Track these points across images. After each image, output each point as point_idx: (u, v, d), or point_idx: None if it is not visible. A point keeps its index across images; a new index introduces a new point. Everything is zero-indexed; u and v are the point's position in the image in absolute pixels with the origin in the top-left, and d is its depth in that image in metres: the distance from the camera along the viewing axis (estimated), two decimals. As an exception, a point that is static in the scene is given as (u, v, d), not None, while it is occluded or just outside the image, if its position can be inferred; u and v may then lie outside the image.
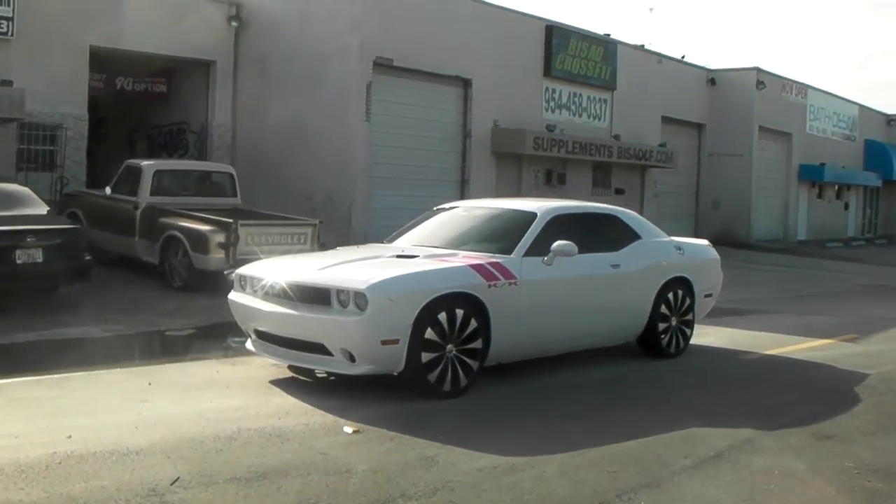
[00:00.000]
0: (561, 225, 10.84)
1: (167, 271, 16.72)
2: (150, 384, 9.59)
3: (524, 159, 27.87)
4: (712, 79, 38.11)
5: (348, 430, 7.96)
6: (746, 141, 37.98)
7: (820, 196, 45.78)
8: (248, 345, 10.27)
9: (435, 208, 12.26)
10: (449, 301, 9.25)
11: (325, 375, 9.93)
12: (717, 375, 11.44)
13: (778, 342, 13.83)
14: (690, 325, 12.50)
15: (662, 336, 11.98)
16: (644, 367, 11.64)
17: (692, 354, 12.41)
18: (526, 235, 10.49)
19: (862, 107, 50.22)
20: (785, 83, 41.05)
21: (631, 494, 6.59)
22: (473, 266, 9.75)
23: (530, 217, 10.83)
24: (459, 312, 9.31)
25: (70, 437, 7.43)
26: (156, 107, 26.14)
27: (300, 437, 7.71)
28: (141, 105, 26.16)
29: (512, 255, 10.20)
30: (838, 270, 30.55)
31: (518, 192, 26.99)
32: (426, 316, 9.04)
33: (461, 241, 10.84)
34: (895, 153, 51.24)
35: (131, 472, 6.66)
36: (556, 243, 10.28)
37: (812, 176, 43.46)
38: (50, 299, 14.37)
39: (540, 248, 10.38)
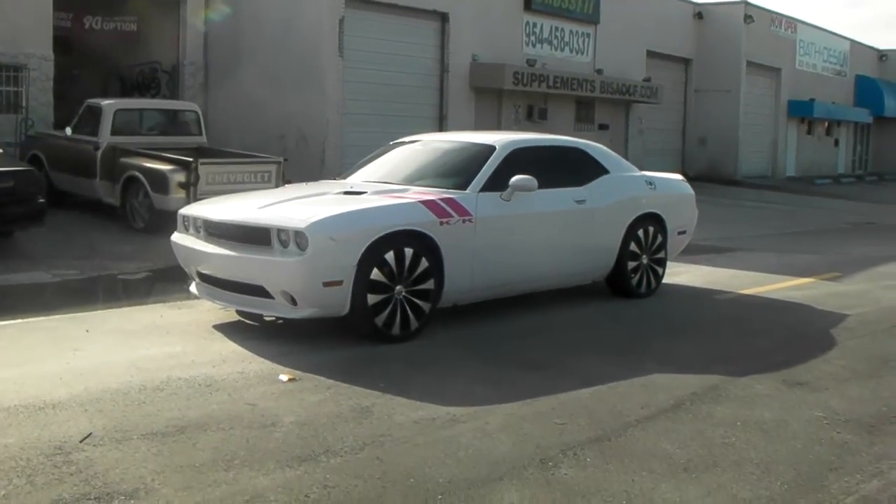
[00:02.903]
0: (521, 159, 10.27)
1: (128, 213, 16.22)
2: (87, 331, 9.10)
3: (504, 95, 27.23)
4: (699, 13, 37.47)
5: (283, 378, 7.48)
6: (734, 76, 37.42)
7: (809, 132, 45.31)
8: (192, 288, 9.77)
9: (392, 143, 11.69)
10: (397, 240, 8.74)
11: (273, 319, 9.42)
12: (687, 318, 10.91)
13: (756, 281, 13.38)
14: (662, 263, 12.01)
15: (632, 276, 11.49)
16: (611, 308, 11.15)
17: (663, 295, 11.94)
18: (483, 170, 9.93)
19: (853, 42, 49.69)
20: (774, 17, 40.39)
21: (577, 450, 6.08)
22: (424, 202, 9.21)
23: (488, 150, 10.26)
24: (409, 251, 8.80)
25: (-13, 390, 6.98)
26: (127, 46, 25.36)
27: (231, 387, 7.22)
28: (111, 45, 25.40)
29: (467, 191, 9.66)
30: (826, 207, 30.10)
31: (498, 128, 26.40)
32: (372, 256, 8.53)
33: (415, 177, 10.29)
34: (886, 89, 50.78)
35: (41, 427, 6.17)
36: (515, 178, 9.74)
37: (801, 112, 42.92)
38: (2, 245, 13.81)
39: (498, 183, 9.83)
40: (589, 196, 10.87)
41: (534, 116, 28.36)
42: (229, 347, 8.50)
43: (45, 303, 10.77)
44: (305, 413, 6.62)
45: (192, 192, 15.01)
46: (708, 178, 34.30)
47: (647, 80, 32.32)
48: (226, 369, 7.72)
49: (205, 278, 9.36)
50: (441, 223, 9.11)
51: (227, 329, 9.25)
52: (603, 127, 31.24)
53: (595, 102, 31.07)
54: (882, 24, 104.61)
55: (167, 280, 12.12)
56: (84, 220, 16.62)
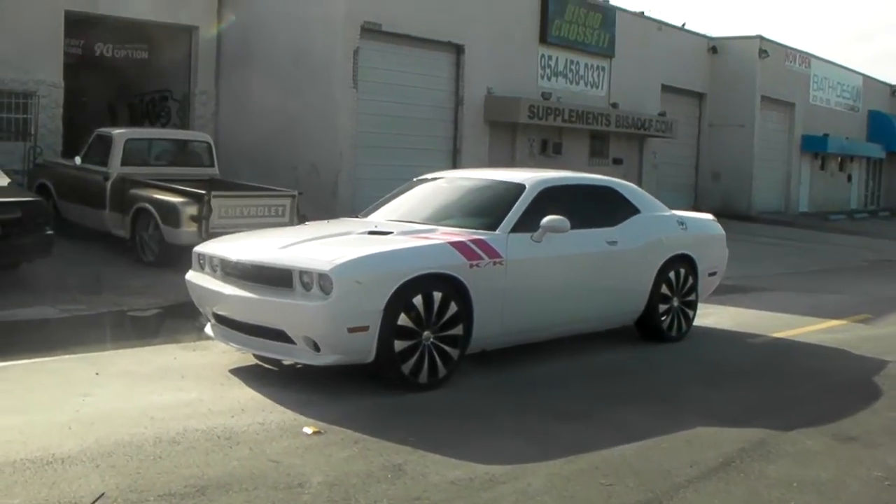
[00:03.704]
0: (552, 198, 9.86)
1: (138, 246, 15.74)
2: (97, 374, 8.68)
3: (518, 128, 26.80)
4: (714, 47, 37.04)
5: (308, 430, 7.03)
6: (748, 111, 36.97)
7: (822, 168, 44.82)
8: (208, 329, 9.33)
9: (415, 179, 11.26)
10: (426, 283, 8.30)
11: (292, 364, 8.96)
12: (722, 364, 10.46)
13: (786, 323, 12.93)
14: (693, 306, 11.59)
15: (663, 318, 11.06)
16: (642, 353, 10.70)
17: (694, 338, 11.50)
18: (513, 210, 9.50)
19: (866, 77, 49.28)
20: (788, 52, 40.00)
21: (628, 514, 5.67)
22: (453, 244, 8.77)
23: (518, 189, 9.84)
24: (437, 295, 8.36)
25: (-9, 440, 6.54)
26: (137, 74, 25.00)
27: (252, 441, 6.77)
28: (122, 72, 25.03)
29: (497, 232, 9.23)
30: (843, 244, 29.62)
31: (512, 162, 25.92)
32: (399, 300, 8.08)
33: (442, 216, 9.86)
34: (899, 124, 50.34)
35: (50, 486, 5.72)
36: (547, 218, 9.31)
37: (815, 147, 42.45)
38: (8, 277, 13.35)
39: (529, 223, 9.40)
40: (620, 237, 10.45)
41: (548, 150, 27.93)
42: (248, 395, 8.06)
43: (51, 340, 10.28)
44: (334, 471, 6.17)
45: (205, 225, 14.59)
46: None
47: (662, 114, 31.92)
48: (245, 420, 7.27)
49: (221, 320, 8.91)
50: (471, 266, 8.67)
51: (245, 374, 8.81)
52: (617, 161, 30.82)
53: (610, 136, 30.64)
54: (892, 59, 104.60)
55: (178, 317, 11.65)
56: (92, 252, 16.15)
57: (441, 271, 8.45)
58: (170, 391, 8.11)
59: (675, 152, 34.64)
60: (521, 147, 27.16)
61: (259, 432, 6.98)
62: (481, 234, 9.11)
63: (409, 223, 9.67)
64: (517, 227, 9.35)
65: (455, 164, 24.00)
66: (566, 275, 9.82)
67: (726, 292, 14.37)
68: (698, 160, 37.12)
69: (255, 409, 7.60)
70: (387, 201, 10.79)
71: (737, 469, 6.62)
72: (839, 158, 46.24)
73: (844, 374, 10.13)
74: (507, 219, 9.39)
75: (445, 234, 9.03)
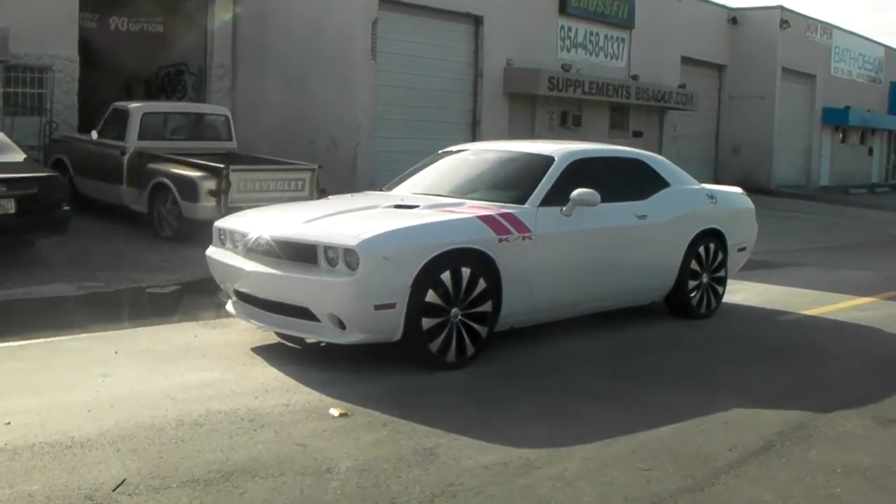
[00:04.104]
0: (581, 171, 9.59)
1: (156, 221, 15.57)
2: (116, 353, 8.46)
3: (538, 100, 26.55)
4: (734, 18, 36.67)
5: (334, 412, 6.80)
6: (769, 83, 36.60)
7: (843, 141, 44.42)
8: (229, 307, 9.10)
9: (440, 151, 10.99)
10: (454, 258, 8.05)
11: (316, 342, 8.73)
12: (754, 342, 10.19)
13: (815, 300, 12.66)
14: (723, 282, 11.32)
15: (692, 295, 10.82)
16: (672, 330, 10.46)
17: (724, 315, 11.24)
18: (542, 182, 9.23)
19: (888, 48, 48.72)
20: (809, 23, 39.58)
21: (669, 501, 5.41)
22: (482, 217, 8.52)
23: (547, 161, 9.57)
24: (466, 271, 8.11)
25: (9, 423, 6.33)
26: (153, 48, 24.76)
27: (277, 423, 6.55)
28: (137, 46, 24.80)
29: (526, 205, 8.97)
30: (865, 219, 29.29)
31: (532, 135, 25.70)
32: (427, 276, 7.84)
33: (468, 189, 9.60)
34: (921, 96, 49.83)
35: (70, 471, 5.51)
36: (577, 191, 9.05)
37: (836, 120, 42.05)
38: (25, 254, 13.15)
39: (558, 196, 9.14)
40: (650, 211, 10.19)
41: (568, 123, 27.69)
42: (271, 374, 7.83)
43: (69, 319, 10.05)
44: (363, 456, 5.94)
45: (223, 200, 14.39)
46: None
47: (683, 86, 31.59)
48: (269, 401, 7.05)
49: (243, 297, 8.69)
50: (500, 240, 8.42)
51: (267, 352, 8.59)
52: (637, 134, 30.52)
53: (630, 109, 30.36)
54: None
55: (198, 293, 11.44)
56: (109, 227, 15.97)
57: (470, 246, 8.21)
58: (191, 371, 7.90)
59: (695, 125, 34.36)
60: (541, 119, 26.93)
61: (284, 414, 6.76)
62: (510, 208, 8.85)
63: (436, 196, 9.42)
64: (546, 201, 9.08)
65: (474, 137, 23.84)
66: (596, 250, 9.56)
67: (753, 268, 14.11)
68: (718, 133, 36.83)
69: (279, 389, 7.38)
70: (411, 174, 10.54)
71: (778, 453, 6.38)
72: (860, 131, 45.82)
73: (879, 353, 9.88)
74: (535, 192, 9.12)
75: (473, 208, 8.78)
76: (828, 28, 41.21)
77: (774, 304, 12.27)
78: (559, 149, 9.97)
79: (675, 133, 32.74)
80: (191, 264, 12.91)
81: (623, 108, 30.03)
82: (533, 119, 26.70)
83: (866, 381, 8.60)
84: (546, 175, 9.32)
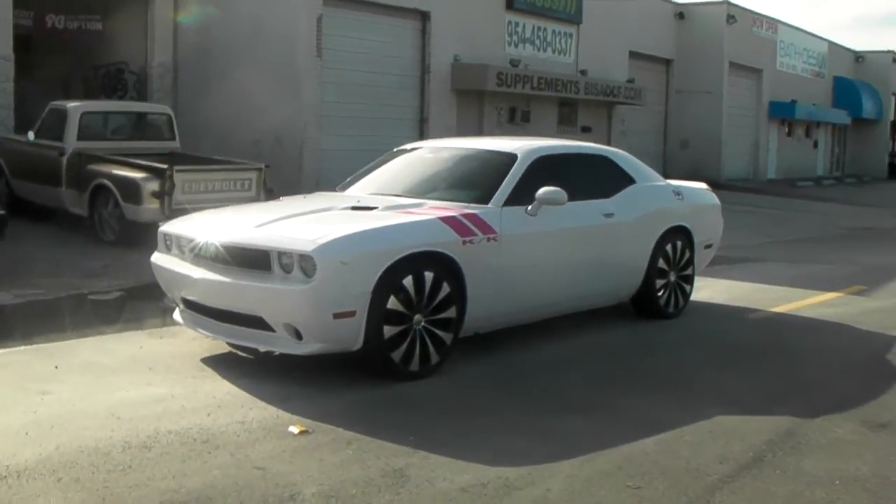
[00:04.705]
0: (545, 168, 9.15)
1: (97, 224, 14.95)
2: (56, 368, 7.86)
3: (486, 96, 26.10)
4: (681, 13, 36.55)
5: (294, 430, 6.31)
6: (716, 77, 36.48)
7: (790, 134, 44.61)
8: (176, 315, 8.57)
9: (395, 150, 10.50)
10: (416, 262, 7.58)
11: (269, 351, 8.20)
12: (727, 343, 9.79)
13: (782, 297, 12.33)
14: (690, 280, 10.96)
15: (660, 294, 10.44)
16: (641, 333, 10.05)
17: (692, 314, 10.88)
18: (506, 181, 8.78)
19: (831, 43, 49.10)
20: (755, 18, 39.60)
21: (666, 524, 5.00)
22: (444, 219, 8.05)
23: (510, 159, 9.11)
24: (429, 276, 7.64)
25: (-64, 449, 5.79)
26: (92, 46, 24.05)
27: (233, 443, 6.05)
28: (75, 45, 24.11)
29: (490, 205, 8.51)
30: (815, 212, 29.23)
31: (480, 131, 25.32)
32: (389, 281, 7.36)
33: (427, 189, 9.12)
34: (864, 91, 50.12)
35: (5, 505, 5.00)
36: (543, 190, 8.60)
37: (783, 113, 42.15)
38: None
39: (522, 195, 8.69)
40: (617, 209, 9.78)
41: (516, 119, 27.27)
42: (223, 388, 7.31)
43: (5, 329, 9.51)
44: (328, 480, 5.45)
45: (167, 202, 13.83)
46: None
47: (631, 81, 31.32)
48: (223, 418, 6.54)
49: (191, 305, 8.16)
50: (464, 242, 7.96)
51: (218, 364, 8.06)
52: (586, 129, 30.15)
53: (578, 104, 30.00)
54: (840, 26, 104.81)
55: (143, 299, 10.89)
56: (48, 231, 15.33)
57: (433, 249, 7.74)
58: (137, 386, 7.35)
59: (643, 120, 34.17)
60: (489, 116, 26.52)
61: (240, 433, 6.26)
62: (473, 208, 8.39)
63: (394, 197, 8.92)
64: (510, 200, 8.63)
65: (422, 134, 23.37)
66: (563, 250, 9.14)
67: (713, 263, 13.74)
68: (666, 128, 36.67)
69: (233, 405, 6.88)
70: (365, 173, 10.04)
71: (770, 465, 5.99)
72: (806, 125, 46.07)
73: (855, 351, 9.56)
74: (499, 191, 8.67)
75: (435, 209, 8.31)
76: (773, 23, 41.24)
77: (741, 301, 11.96)
78: (522, 146, 9.51)
79: (624, 128, 32.46)
80: (134, 269, 12.34)
81: (572, 103, 29.66)
82: (481, 115, 26.26)
83: (847, 383, 8.26)
84: (510, 173, 8.86)
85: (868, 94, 50.50)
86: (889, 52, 53.46)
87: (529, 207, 8.62)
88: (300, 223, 7.94)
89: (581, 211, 9.28)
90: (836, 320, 10.89)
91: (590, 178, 9.81)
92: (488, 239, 8.18)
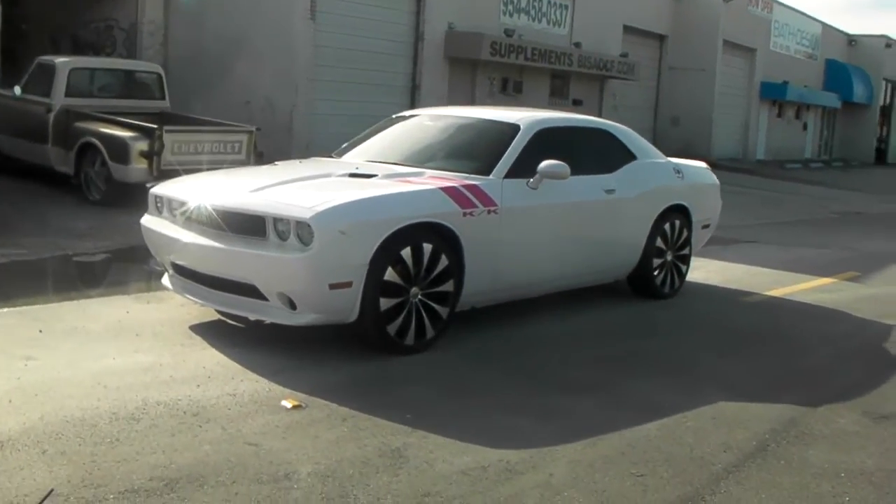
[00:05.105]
0: (547, 141, 8.91)
1: (83, 183, 14.67)
2: (41, 332, 7.60)
3: (479, 66, 25.81)
4: (677, -11, 36.24)
5: (287, 404, 6.11)
6: (710, 55, 36.19)
7: (780, 115, 44.39)
8: (165, 280, 8.34)
9: (394, 116, 10.25)
10: (415, 233, 7.37)
11: (260, 319, 7.98)
12: (725, 326, 9.59)
13: (776, 280, 12.20)
14: (686, 260, 10.78)
15: (657, 273, 10.25)
16: (638, 312, 9.88)
17: (688, 295, 10.71)
18: (508, 152, 8.55)
19: (825, 25, 48.79)
20: (751, -5, 39.30)
21: (673, 516, 4.83)
22: (445, 189, 7.82)
23: (512, 130, 8.87)
24: (427, 247, 7.43)
25: (-85, 415, 5.57)
26: (81, 2, 23.70)
27: (224, 417, 5.84)
28: (64, 0, 23.75)
29: (491, 177, 8.28)
30: (807, 194, 29.14)
31: (472, 100, 25.04)
32: (387, 252, 7.15)
33: (426, 158, 8.87)
34: (855, 74, 49.95)
35: (-12, 477, 4.77)
36: (545, 163, 8.37)
37: (774, 94, 41.96)
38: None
39: (523, 168, 8.46)
40: (618, 185, 9.58)
41: (508, 89, 27.00)
42: (213, 358, 7.10)
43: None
44: (324, 459, 5.25)
45: (156, 162, 13.58)
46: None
47: (625, 55, 31.03)
48: (213, 390, 6.33)
49: (181, 271, 7.93)
50: (464, 214, 7.75)
51: (207, 332, 7.84)
52: (577, 102, 29.85)
53: (571, 77, 29.70)
54: (839, 8, 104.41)
55: (129, 261, 10.67)
56: (33, 190, 15.06)
57: (433, 220, 7.52)
58: (124, 353, 7.12)
59: (635, 95, 33.88)
60: (481, 85, 26.27)
61: (231, 406, 6.05)
62: (473, 179, 8.16)
63: (392, 165, 8.68)
64: (511, 173, 8.41)
65: (414, 102, 23.14)
66: (563, 225, 8.94)
67: (706, 244, 13.66)
68: (658, 104, 36.38)
69: (224, 376, 6.66)
70: (363, 140, 9.79)
71: (774, 454, 5.83)
72: (796, 107, 45.85)
73: (852, 339, 9.41)
74: (501, 162, 8.44)
75: (435, 179, 8.07)
76: (769, 2, 40.98)
77: (736, 283, 11.81)
78: (524, 116, 9.28)
79: (615, 102, 32.20)
80: (121, 230, 12.13)
81: (564, 75, 29.37)
82: (473, 85, 25.99)
83: (846, 372, 8.12)
84: (512, 144, 8.63)
85: (859, 79, 50.30)
86: (882, 36, 53.17)
87: (531, 180, 8.41)
88: (297, 189, 7.70)
89: (582, 186, 9.07)
90: (832, 306, 10.73)
91: (591, 153, 9.59)
92: (489, 211, 7.98)
